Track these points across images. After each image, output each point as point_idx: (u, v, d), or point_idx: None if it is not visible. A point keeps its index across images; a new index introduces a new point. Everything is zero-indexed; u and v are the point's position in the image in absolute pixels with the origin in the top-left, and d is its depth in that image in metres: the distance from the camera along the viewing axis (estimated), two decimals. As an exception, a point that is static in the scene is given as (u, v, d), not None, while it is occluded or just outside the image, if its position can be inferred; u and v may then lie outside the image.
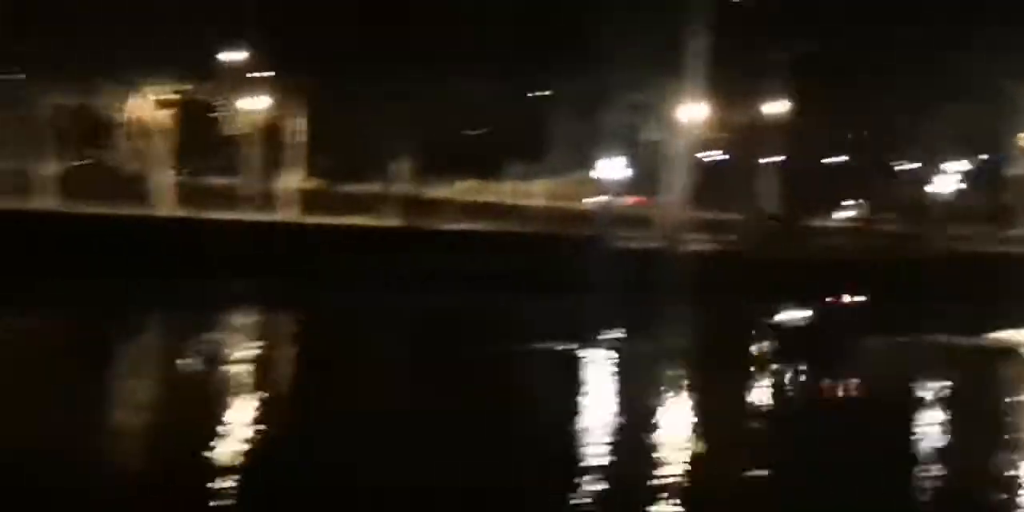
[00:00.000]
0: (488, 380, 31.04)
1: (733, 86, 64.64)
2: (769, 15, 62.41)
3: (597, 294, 47.42)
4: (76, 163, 63.65)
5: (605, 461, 21.38)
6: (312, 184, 66.18)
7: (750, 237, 66.01)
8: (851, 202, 73.45)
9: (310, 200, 64.03)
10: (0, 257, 46.68)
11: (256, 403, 26.61)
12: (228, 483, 19.05)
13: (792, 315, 37.21)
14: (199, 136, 63.18)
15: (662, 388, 30.87)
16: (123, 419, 24.71)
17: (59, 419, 23.06)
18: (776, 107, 68.56)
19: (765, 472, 21.02)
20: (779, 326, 37.03)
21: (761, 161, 68.72)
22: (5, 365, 29.32)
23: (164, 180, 62.23)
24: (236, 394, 27.67)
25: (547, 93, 67.60)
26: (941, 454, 23.06)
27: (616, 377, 32.84)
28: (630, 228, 64.26)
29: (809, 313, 37.10)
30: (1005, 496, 19.45)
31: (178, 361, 32.22)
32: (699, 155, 67.88)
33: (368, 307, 45.50)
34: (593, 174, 68.69)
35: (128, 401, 26.89)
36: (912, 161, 72.32)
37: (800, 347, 35.50)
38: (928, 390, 31.03)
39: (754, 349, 36.50)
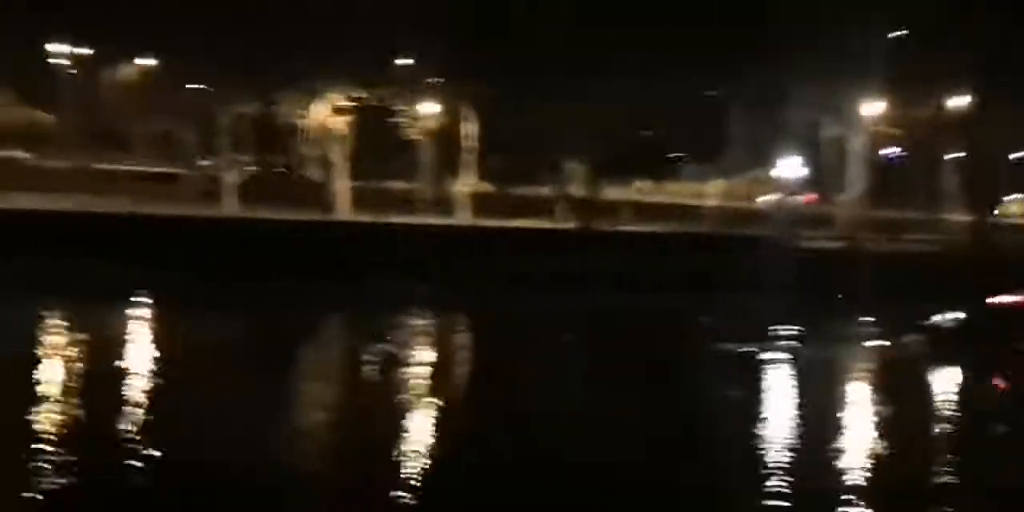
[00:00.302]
0: (670, 381, 31.08)
1: (912, 83, 63.53)
2: (944, 12, 61.27)
3: (772, 294, 47.02)
4: (258, 170, 65.11)
5: (792, 462, 21.34)
6: (485, 187, 66.67)
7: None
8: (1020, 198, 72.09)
9: (483, 203, 64.49)
10: (188, 261, 47.93)
11: (435, 404, 26.93)
12: (407, 481, 19.36)
13: (949, 316, 36.83)
14: (375, 142, 64.05)
15: (839, 389, 30.71)
16: (307, 419, 25.23)
17: (245, 419, 23.59)
18: (956, 103, 67.24)
19: (950, 472, 20.83)
20: (936, 327, 36.70)
21: (938, 157, 67.47)
22: (194, 367, 30.07)
23: (342, 185, 63.27)
24: (415, 395, 28.01)
25: (722, 92, 67.10)
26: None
27: (795, 378, 32.65)
28: (806, 227, 63.59)
29: (966, 314, 36.68)
30: None
31: (358, 362, 32.75)
32: (879, 152, 66.93)
33: (544, 309, 45.67)
34: (768, 173, 68.11)
35: (311, 401, 27.42)
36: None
37: (955, 348, 35.13)
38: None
39: (910, 350, 36.20)
